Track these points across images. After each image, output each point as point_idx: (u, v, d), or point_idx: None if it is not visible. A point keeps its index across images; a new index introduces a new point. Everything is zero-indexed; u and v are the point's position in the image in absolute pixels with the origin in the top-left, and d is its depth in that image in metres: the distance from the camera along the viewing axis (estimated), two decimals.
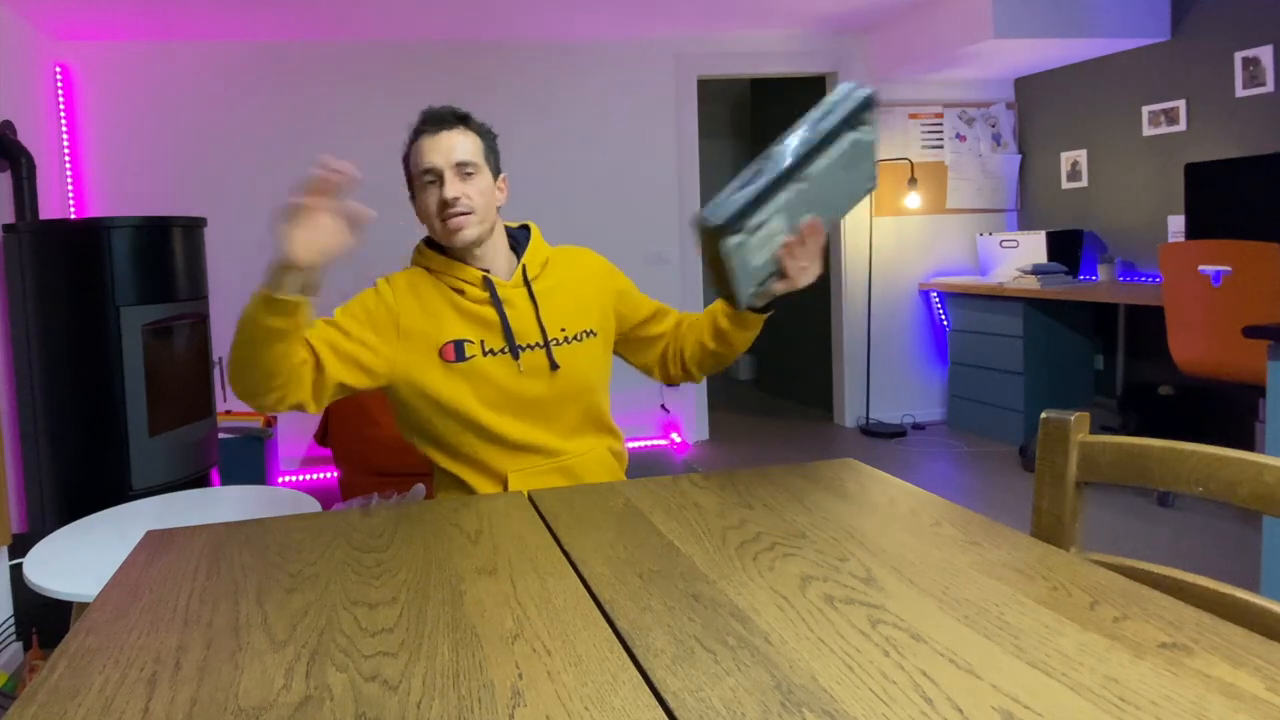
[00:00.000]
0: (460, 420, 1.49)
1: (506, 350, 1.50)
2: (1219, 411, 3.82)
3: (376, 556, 1.03)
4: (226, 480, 3.61)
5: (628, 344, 1.68)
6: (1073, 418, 1.08)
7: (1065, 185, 4.70)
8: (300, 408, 1.38)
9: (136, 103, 4.14)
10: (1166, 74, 4.05)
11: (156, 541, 1.13)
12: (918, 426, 4.89)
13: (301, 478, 4.27)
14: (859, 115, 1.22)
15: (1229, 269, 3.01)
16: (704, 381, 3.91)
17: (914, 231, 4.96)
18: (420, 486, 3.13)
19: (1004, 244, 4.64)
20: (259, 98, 4.25)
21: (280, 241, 1.21)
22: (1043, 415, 1.12)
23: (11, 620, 2.46)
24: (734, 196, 1.18)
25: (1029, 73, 4.83)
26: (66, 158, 4.00)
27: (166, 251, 3.01)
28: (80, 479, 2.92)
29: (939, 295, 4.97)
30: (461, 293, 1.51)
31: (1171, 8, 3.99)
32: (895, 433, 4.70)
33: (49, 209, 3.69)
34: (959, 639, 0.76)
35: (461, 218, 1.47)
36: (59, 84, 3.97)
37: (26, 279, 2.92)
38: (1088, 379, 4.49)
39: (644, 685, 0.70)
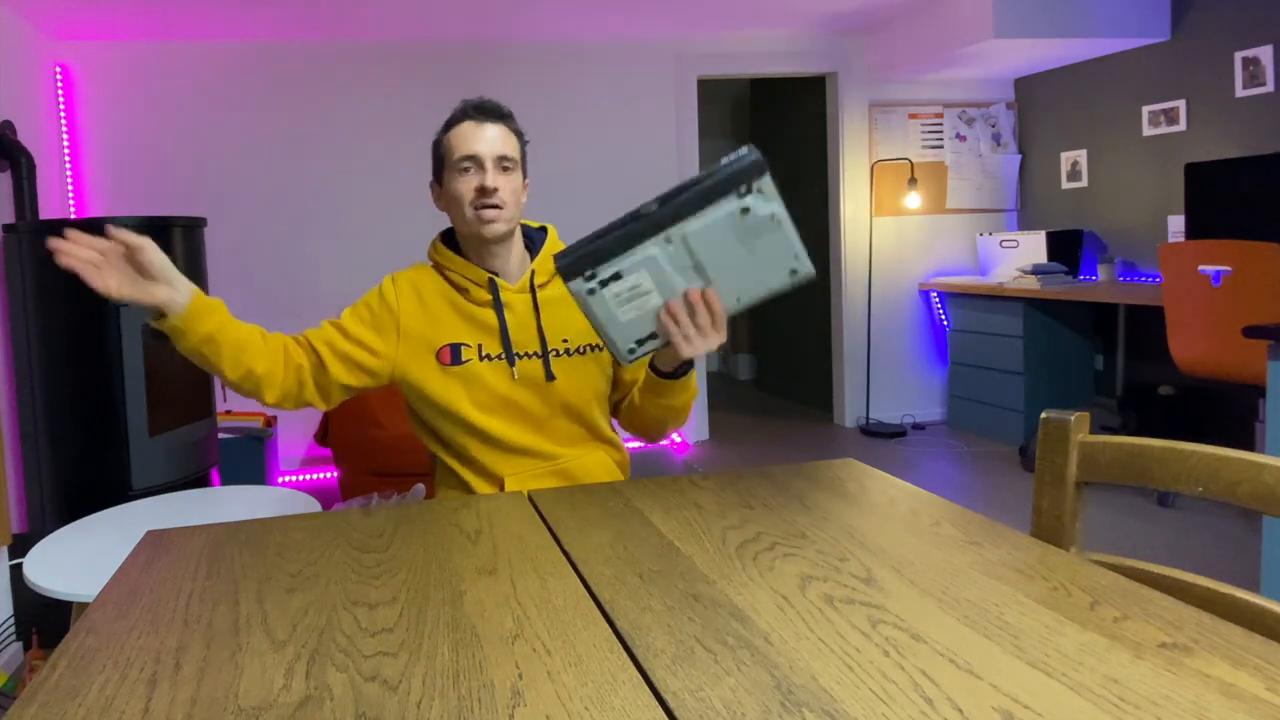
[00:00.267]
0: (455, 421, 1.49)
1: (504, 356, 1.48)
2: (1219, 411, 3.82)
3: (376, 556, 1.03)
4: (226, 480, 3.61)
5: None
6: (1073, 418, 1.08)
7: (1065, 185, 4.70)
8: (309, 405, 1.47)
9: (136, 103, 4.14)
10: (1166, 74, 4.05)
11: (156, 541, 1.13)
12: (918, 426, 4.89)
13: (301, 478, 4.27)
14: (744, 179, 1.09)
15: (1229, 269, 3.01)
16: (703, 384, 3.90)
17: (914, 231, 4.96)
18: (420, 486, 3.14)
19: (1004, 244, 4.64)
20: (259, 98, 4.25)
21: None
22: (1043, 415, 1.12)
23: (11, 620, 2.46)
24: (584, 239, 1.13)
25: (1029, 73, 4.83)
26: (66, 158, 4.00)
27: (166, 251, 3.00)
28: (80, 479, 2.92)
29: (939, 295, 4.97)
30: (466, 292, 1.50)
31: (1171, 8, 3.99)
32: (895, 433, 4.70)
33: (49, 209, 3.69)
34: (959, 639, 0.76)
35: (495, 211, 1.45)
36: (59, 84, 3.97)
37: (26, 279, 2.92)
38: (1088, 379, 4.49)
39: (644, 685, 0.70)
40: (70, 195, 4.00)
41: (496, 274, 1.51)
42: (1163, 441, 1.01)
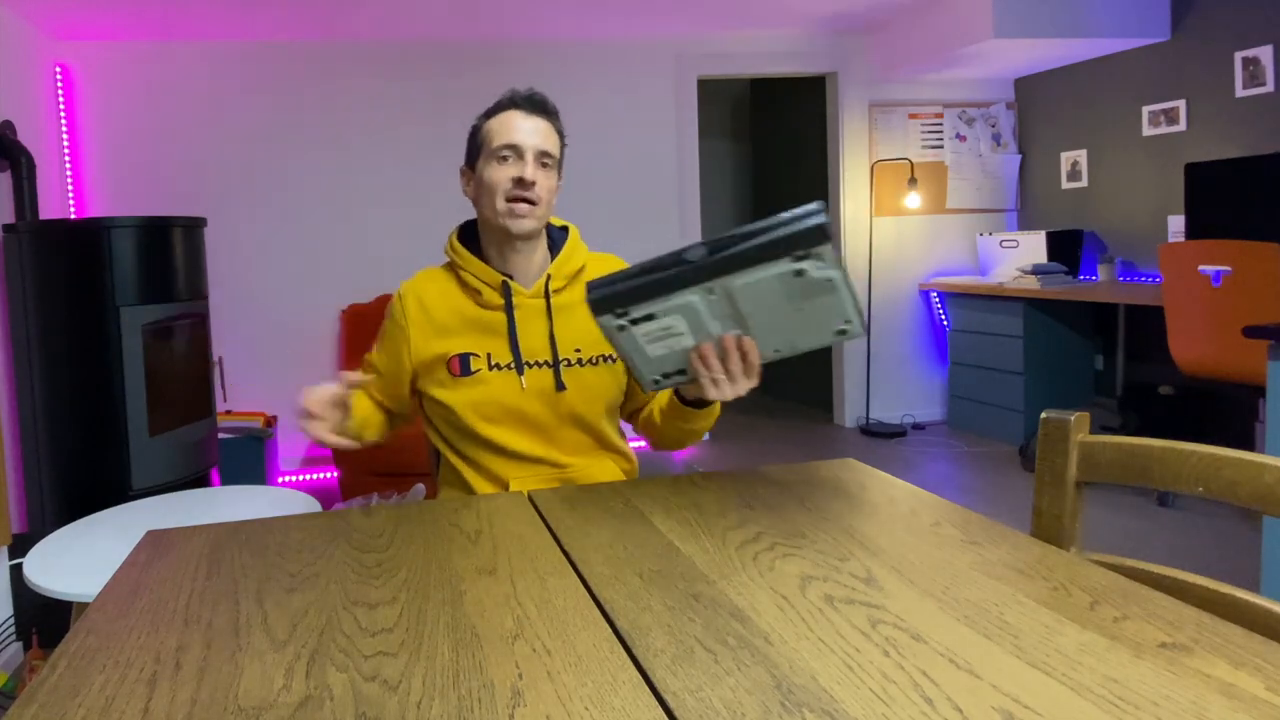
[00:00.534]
0: (460, 429, 1.48)
1: (513, 366, 1.45)
2: (1219, 411, 3.82)
3: (376, 556, 1.03)
4: (226, 480, 3.61)
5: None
6: (1073, 418, 1.08)
7: (1065, 185, 4.70)
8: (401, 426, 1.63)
9: (136, 103, 4.14)
10: (1166, 74, 4.05)
11: (156, 541, 1.13)
12: (918, 426, 4.89)
13: (301, 478, 4.27)
14: (803, 242, 1.01)
15: (1229, 269, 3.01)
16: None
17: (914, 231, 4.96)
18: (420, 486, 3.13)
19: (1004, 244, 4.64)
20: (259, 98, 4.25)
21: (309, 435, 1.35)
22: (1043, 415, 1.12)
23: (11, 620, 2.46)
24: (621, 275, 1.08)
25: (1029, 73, 4.83)
26: (66, 158, 4.00)
27: (166, 251, 3.01)
28: (80, 479, 2.92)
29: (939, 295, 4.97)
30: (478, 294, 1.47)
31: (1171, 8, 3.99)
32: (895, 433, 4.70)
33: (49, 209, 3.69)
34: (959, 639, 0.76)
35: (528, 206, 1.42)
36: (59, 84, 3.97)
37: (26, 279, 2.92)
38: (1088, 379, 4.49)
39: (644, 685, 0.70)
40: (70, 195, 4.00)
41: (512, 275, 1.47)
42: (1163, 441, 1.01)
